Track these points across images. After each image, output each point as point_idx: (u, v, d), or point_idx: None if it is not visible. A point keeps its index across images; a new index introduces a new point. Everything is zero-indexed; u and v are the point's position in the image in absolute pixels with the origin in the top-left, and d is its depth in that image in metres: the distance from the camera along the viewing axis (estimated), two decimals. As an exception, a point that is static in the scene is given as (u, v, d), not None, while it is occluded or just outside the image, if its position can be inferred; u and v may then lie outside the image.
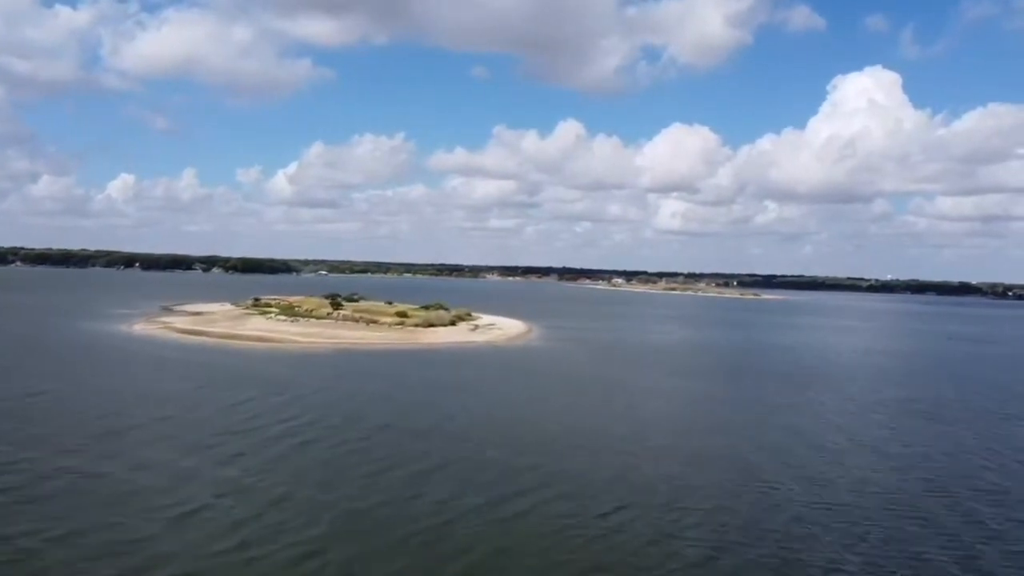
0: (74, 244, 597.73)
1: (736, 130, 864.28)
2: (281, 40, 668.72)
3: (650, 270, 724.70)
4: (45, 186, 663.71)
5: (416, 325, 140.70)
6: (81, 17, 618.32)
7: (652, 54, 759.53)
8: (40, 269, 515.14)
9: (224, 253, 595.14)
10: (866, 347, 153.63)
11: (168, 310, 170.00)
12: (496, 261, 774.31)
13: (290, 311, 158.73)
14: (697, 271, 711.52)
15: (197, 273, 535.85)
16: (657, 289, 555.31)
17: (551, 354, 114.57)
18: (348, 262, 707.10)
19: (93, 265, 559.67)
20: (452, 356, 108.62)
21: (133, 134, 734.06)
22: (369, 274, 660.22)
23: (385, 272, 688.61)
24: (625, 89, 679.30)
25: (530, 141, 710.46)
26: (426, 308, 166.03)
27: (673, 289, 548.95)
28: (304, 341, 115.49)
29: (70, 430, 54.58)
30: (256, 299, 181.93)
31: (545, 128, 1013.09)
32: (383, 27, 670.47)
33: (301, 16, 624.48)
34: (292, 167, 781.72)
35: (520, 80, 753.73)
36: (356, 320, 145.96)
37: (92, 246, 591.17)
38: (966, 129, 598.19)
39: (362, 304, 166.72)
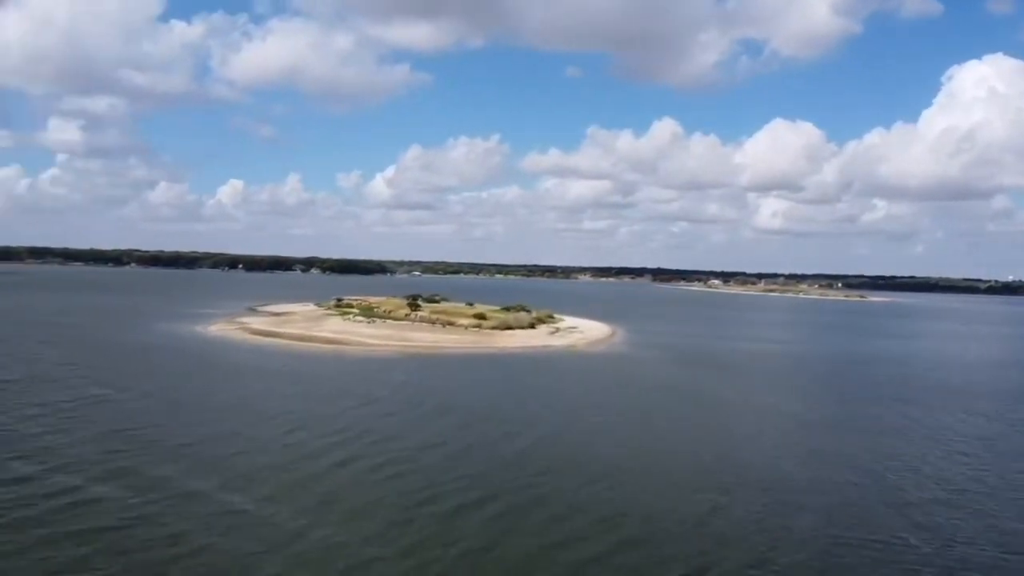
0: (188, 247, 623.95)
1: (842, 125, 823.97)
2: (380, 47, 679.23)
3: (748, 271, 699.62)
4: (161, 193, 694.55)
5: (493, 328, 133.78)
6: (194, 31, 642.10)
7: (752, 48, 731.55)
8: (152, 270, 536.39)
9: (324, 255, 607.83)
10: (997, 358, 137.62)
11: (252, 311, 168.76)
12: (589, 262, 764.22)
13: (369, 312, 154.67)
14: (799, 272, 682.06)
15: (296, 274, 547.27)
16: (756, 291, 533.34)
17: (633, 362, 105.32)
18: (442, 263, 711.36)
19: (200, 266, 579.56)
20: (524, 362, 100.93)
21: (240, 142, 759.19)
22: (462, 275, 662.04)
23: (477, 273, 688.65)
24: (723, 85, 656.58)
25: (625, 141, 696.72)
26: (507, 309, 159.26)
27: (773, 291, 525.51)
28: (375, 344, 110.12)
29: (115, 437, 49.66)
30: (339, 299, 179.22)
31: (640, 127, 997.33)
32: (478, 29, 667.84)
33: (397, 22, 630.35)
34: (390, 170, 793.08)
35: (614, 79, 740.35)
36: (432, 322, 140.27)
37: (204, 248, 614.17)
38: None
39: (441, 305, 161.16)
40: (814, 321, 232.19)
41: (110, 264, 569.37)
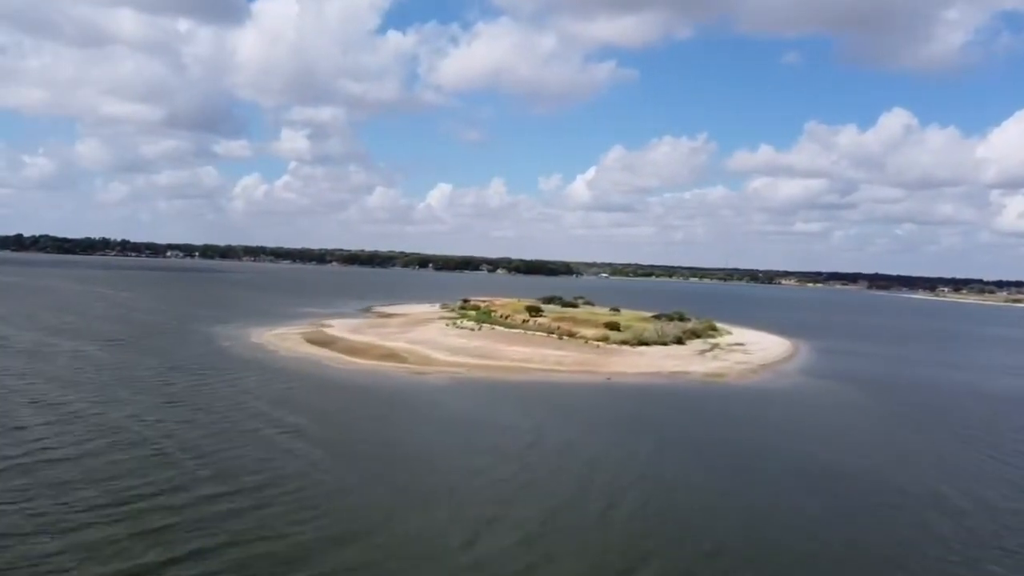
0: (398, 247, 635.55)
1: None
2: (585, 44, 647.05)
3: (986, 279, 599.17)
4: (378, 197, 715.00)
5: (623, 342, 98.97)
6: (407, 41, 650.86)
7: (1015, 22, 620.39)
8: (349, 268, 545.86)
9: (523, 255, 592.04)
10: None
11: (364, 311, 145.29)
12: (797, 267, 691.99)
13: (484, 316, 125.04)
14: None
15: (482, 274, 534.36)
16: (996, 301, 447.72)
17: (805, 408, 66.50)
18: (633, 265, 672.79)
19: (394, 265, 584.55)
20: (638, 398, 65.96)
21: (448, 146, 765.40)
22: (654, 277, 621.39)
23: (670, 276, 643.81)
24: (971, 68, 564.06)
25: (847, 135, 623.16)
26: (657, 318, 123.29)
27: (1018, 301, 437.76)
28: (446, 361, 79.97)
29: None
30: (465, 300, 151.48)
31: (865, 120, 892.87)
32: (686, 18, 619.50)
33: (601, 17, 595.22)
34: (591, 172, 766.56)
35: (837, 65, 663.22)
36: (549, 332, 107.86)
37: (412, 249, 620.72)
38: None
39: (570, 311, 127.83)
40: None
41: (313, 262, 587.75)
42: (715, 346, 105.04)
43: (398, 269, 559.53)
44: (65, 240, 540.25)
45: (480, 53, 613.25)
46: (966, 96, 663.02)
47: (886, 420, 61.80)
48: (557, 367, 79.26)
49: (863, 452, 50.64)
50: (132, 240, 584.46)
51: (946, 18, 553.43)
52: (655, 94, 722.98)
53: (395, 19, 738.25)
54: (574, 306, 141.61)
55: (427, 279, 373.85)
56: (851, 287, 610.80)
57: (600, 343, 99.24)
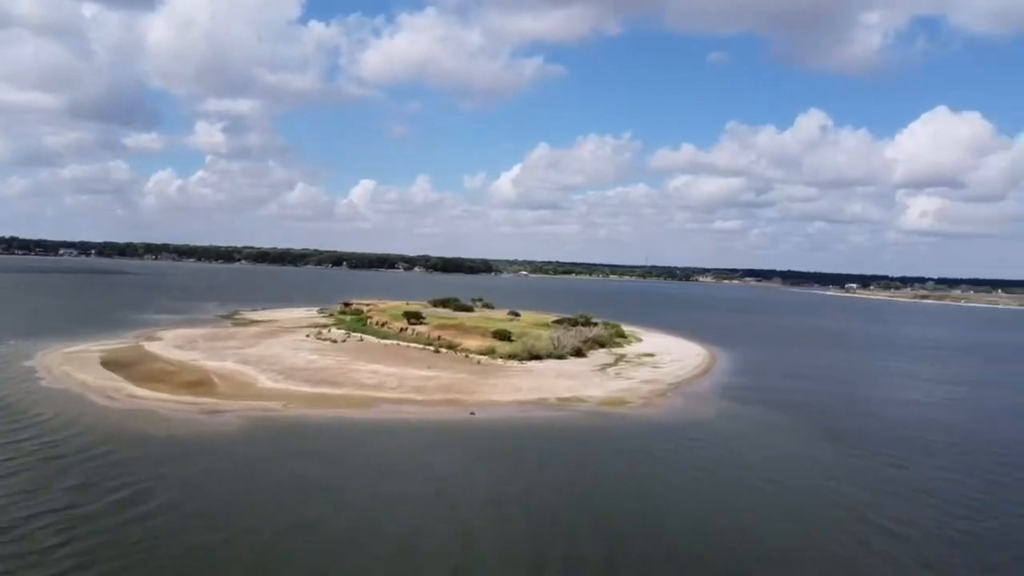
0: (323, 245, 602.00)
1: (1016, 113, 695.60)
2: (512, 39, 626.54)
3: (891, 275, 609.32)
4: (299, 193, 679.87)
5: (511, 356, 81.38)
6: (329, 31, 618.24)
7: (930, 27, 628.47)
8: (259, 267, 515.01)
9: (448, 254, 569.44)
10: None
11: (227, 317, 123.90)
12: (715, 264, 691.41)
13: (356, 324, 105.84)
14: (949, 276, 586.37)
15: (396, 272, 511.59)
16: (903, 297, 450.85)
17: (723, 457, 49.61)
18: (553, 263, 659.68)
19: (307, 263, 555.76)
20: (499, 448, 48.26)
21: (374, 141, 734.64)
22: (574, 275, 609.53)
23: (590, 274, 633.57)
24: (885, 71, 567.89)
25: (766, 136, 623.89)
26: (560, 322, 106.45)
27: (924, 297, 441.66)
28: (268, 391, 60.95)
29: None
30: (346, 303, 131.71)
31: (784, 120, 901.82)
32: (616, 14, 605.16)
33: (528, 11, 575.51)
34: (516, 169, 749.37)
35: (762, 65, 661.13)
36: (427, 343, 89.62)
37: (337, 248, 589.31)
38: None
39: (460, 317, 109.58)
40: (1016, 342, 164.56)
41: (220, 261, 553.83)
42: (620, 358, 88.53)
43: (310, 268, 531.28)
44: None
45: (404, 45, 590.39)
46: (879, 98, 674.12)
47: (831, 474, 45.54)
48: (413, 396, 60.85)
49: (793, 500, 34.00)
50: (22, 237, 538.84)
51: (866, 21, 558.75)
52: (582, 91, 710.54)
53: (317, 9, 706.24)
54: (469, 309, 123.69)
55: (334, 278, 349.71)
56: (767, 284, 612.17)
57: (483, 357, 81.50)
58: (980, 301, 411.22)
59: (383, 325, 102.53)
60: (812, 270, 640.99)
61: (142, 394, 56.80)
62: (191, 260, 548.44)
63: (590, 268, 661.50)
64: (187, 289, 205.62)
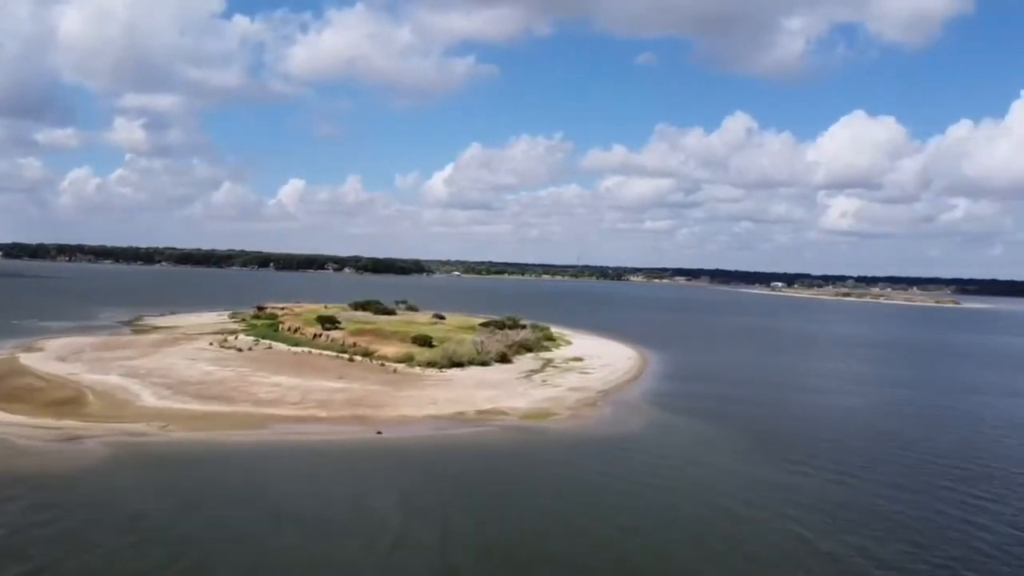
0: (250, 246, 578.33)
1: (926, 118, 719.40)
2: (443, 37, 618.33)
3: (813, 273, 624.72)
4: (225, 193, 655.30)
5: (430, 363, 75.53)
6: (254, 26, 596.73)
7: (848, 32, 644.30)
8: (181, 269, 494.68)
9: (380, 254, 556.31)
10: None
11: (128, 323, 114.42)
12: (646, 263, 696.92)
13: (268, 330, 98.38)
14: (868, 275, 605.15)
15: (326, 273, 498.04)
16: (826, 295, 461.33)
17: (653, 478, 44.87)
18: (485, 263, 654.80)
19: (232, 264, 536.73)
20: (405, 475, 42.54)
21: (302, 139, 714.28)
22: (506, 275, 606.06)
23: (523, 274, 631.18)
24: (807, 75, 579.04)
25: (694, 138, 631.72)
26: (486, 325, 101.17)
27: (847, 295, 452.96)
28: (148, 409, 53.80)
29: None
30: (259, 307, 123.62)
31: (711, 122, 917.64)
32: (546, 15, 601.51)
33: (457, 9, 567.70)
34: (448, 169, 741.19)
35: (690, 67, 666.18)
36: (340, 350, 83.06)
37: (264, 249, 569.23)
38: None
39: (379, 321, 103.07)
40: (937, 340, 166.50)
41: (140, 262, 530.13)
42: (548, 363, 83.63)
43: (235, 269, 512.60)
44: None
45: (332, 42, 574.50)
46: (801, 102, 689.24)
47: (772, 495, 41.26)
48: (316, 412, 54.45)
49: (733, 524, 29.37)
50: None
51: (788, 27, 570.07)
52: (514, 91, 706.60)
53: (241, 4, 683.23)
54: (391, 312, 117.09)
55: (257, 280, 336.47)
56: (695, 283, 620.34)
57: (400, 365, 75.44)
58: (897, 298, 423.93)
59: (296, 331, 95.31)
60: (739, 269, 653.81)
61: (-5, 417, 48.89)
62: (108, 262, 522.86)
63: (523, 268, 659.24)
64: (93, 292, 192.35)
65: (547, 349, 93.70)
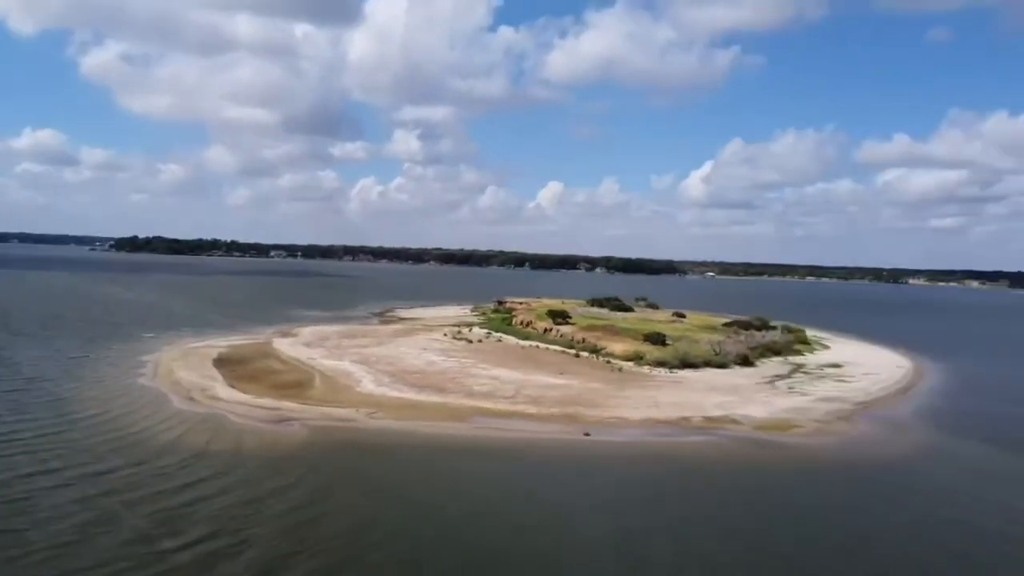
0: (509, 247, 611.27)
1: None
2: (706, 30, 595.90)
3: None
4: (489, 196, 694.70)
5: (659, 363, 69.11)
6: (518, 36, 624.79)
7: None
8: (445, 268, 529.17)
9: (636, 255, 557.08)
10: None
11: (378, 314, 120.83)
12: (930, 265, 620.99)
13: (501, 323, 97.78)
14: None
15: (577, 273, 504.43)
16: None
17: (935, 517, 35.18)
18: (743, 264, 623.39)
19: (490, 264, 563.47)
20: (597, 488, 37.16)
21: (559, 143, 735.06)
22: (766, 277, 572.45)
23: (784, 275, 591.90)
24: None
25: (996, 122, 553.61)
26: (730, 325, 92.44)
27: None
28: (364, 396, 53.65)
29: None
30: (500, 301, 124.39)
31: (1019, 103, 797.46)
32: None
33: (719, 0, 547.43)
34: (707, 167, 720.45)
35: (993, 40, 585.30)
36: (569, 345, 79.36)
37: (522, 249, 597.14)
38: None
39: (612, 318, 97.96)
40: None
41: (410, 261, 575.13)
42: (797, 368, 73.28)
43: (494, 268, 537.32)
44: (175, 241, 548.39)
45: (589, 45, 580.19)
46: None
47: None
48: (525, 408, 50.77)
49: None
50: (240, 241, 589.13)
51: None
52: (781, 82, 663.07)
53: (507, 15, 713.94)
54: (629, 309, 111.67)
55: (510, 278, 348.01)
56: (992, 286, 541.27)
57: (628, 363, 69.90)
58: None
59: (527, 325, 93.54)
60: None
61: (226, 396, 51.06)
62: (384, 261, 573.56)
63: (785, 269, 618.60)
64: (373, 286, 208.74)
65: (799, 353, 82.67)
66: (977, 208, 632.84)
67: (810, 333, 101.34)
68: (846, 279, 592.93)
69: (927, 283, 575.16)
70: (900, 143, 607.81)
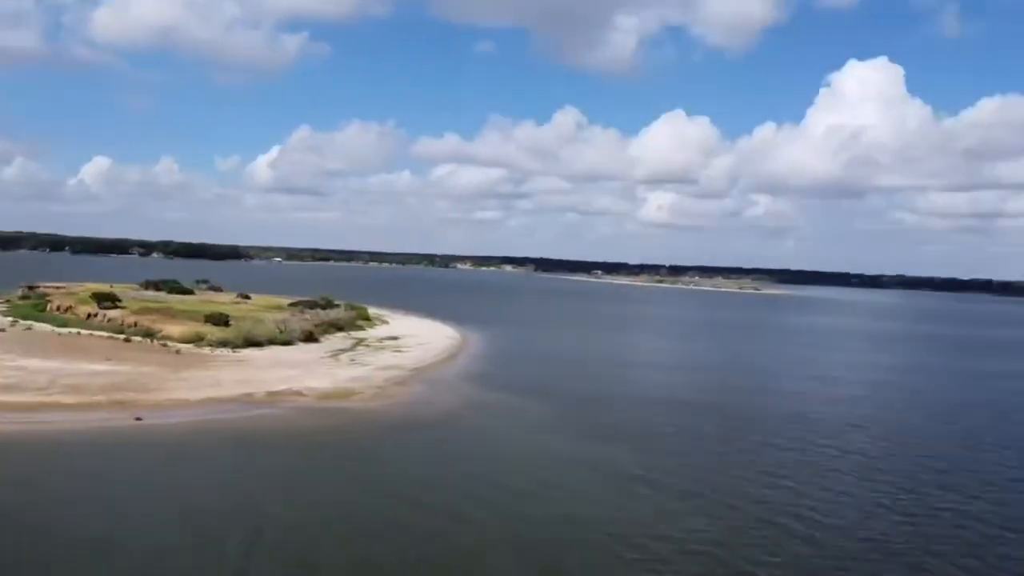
0: (46, 229, 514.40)
1: (738, 119, 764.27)
2: (273, 11, 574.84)
3: (631, 262, 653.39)
4: (17, 169, 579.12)
5: (223, 343, 66.52)
6: None
7: (676, 34, 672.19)
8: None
9: (197, 239, 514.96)
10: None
11: None
12: (474, 252, 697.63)
13: (34, 310, 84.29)
14: (680, 264, 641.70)
15: (130, 258, 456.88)
16: (641, 282, 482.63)
17: (478, 453, 40.29)
18: (310, 250, 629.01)
19: (19, 248, 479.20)
20: (138, 475, 34.78)
21: (110, 113, 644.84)
22: (332, 262, 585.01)
23: (349, 261, 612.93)
24: (638, 72, 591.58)
25: (526, 129, 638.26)
26: (296, 304, 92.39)
27: (660, 282, 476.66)
28: None
29: None
30: (30, 287, 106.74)
31: (543, 115, 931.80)
32: None
33: None
34: (274, 151, 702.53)
35: (527, 59, 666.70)
36: (118, 331, 71.79)
37: (66, 231, 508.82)
38: (971, 123, 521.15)
39: (168, 300, 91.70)
40: (736, 321, 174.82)
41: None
42: (359, 342, 76.82)
43: (24, 252, 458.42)
44: None
45: (142, 5, 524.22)
46: (629, 98, 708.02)
47: (573, 441, 37.48)
48: (62, 398, 44.67)
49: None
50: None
51: (624, 24, 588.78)
52: (347, 73, 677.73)
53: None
54: (189, 292, 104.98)
55: (44, 263, 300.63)
56: (520, 270, 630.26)
57: (187, 345, 65.83)
58: (705, 285, 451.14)
59: (66, 311, 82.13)
60: (564, 258, 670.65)
61: None
62: None
63: (350, 255, 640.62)
64: None
65: (361, 329, 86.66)
66: (511, 203, 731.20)
67: (372, 311, 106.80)
68: (404, 263, 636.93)
69: (472, 267, 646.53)
70: (451, 141, 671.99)
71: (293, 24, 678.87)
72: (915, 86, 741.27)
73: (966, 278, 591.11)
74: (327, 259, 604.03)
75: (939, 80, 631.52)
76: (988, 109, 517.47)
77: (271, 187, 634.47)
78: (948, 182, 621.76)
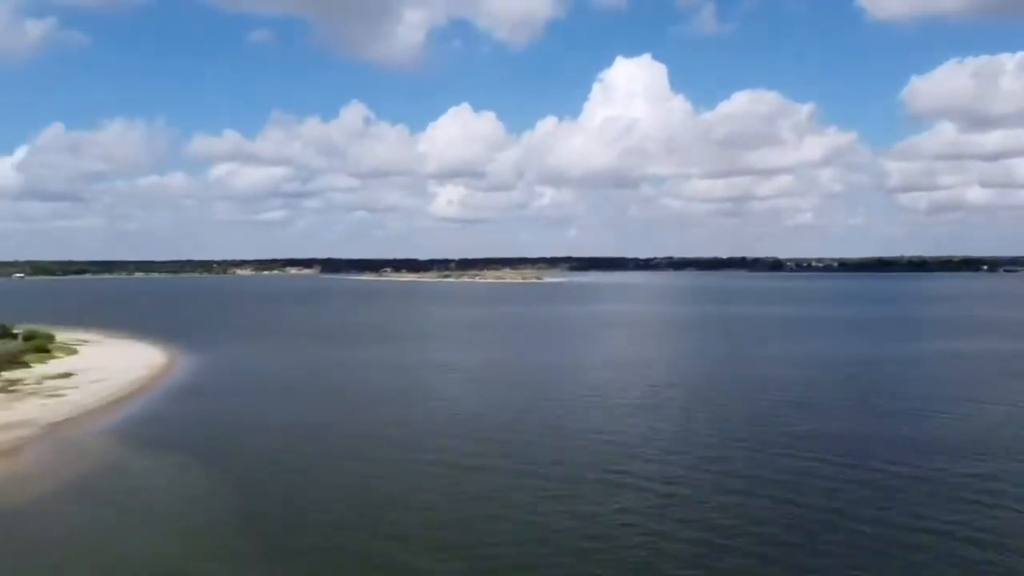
0: None
1: (522, 114, 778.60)
2: None
3: (421, 258, 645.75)
4: None
5: None
6: None
7: (463, 28, 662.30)
8: None
9: None
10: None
11: None
12: (259, 255, 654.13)
13: None
14: (470, 257, 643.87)
15: None
16: (428, 278, 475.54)
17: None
18: (60, 262, 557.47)
19: None
20: None
21: None
22: (88, 275, 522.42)
23: (110, 272, 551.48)
24: (426, 66, 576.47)
25: (311, 126, 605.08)
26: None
27: (447, 277, 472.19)
28: None
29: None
30: None
31: (330, 111, 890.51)
32: None
33: None
34: (21, 152, 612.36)
35: (309, 51, 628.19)
36: None
37: None
38: (726, 115, 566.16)
39: None
40: (497, 315, 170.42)
41: None
42: (15, 383, 59.69)
43: None
44: None
45: None
46: (417, 93, 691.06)
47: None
48: None
49: None
50: None
51: (410, 18, 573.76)
52: (107, 65, 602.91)
53: None
54: None
55: None
56: (305, 272, 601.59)
57: None
58: (489, 277, 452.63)
59: None
60: (353, 257, 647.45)
61: None
62: None
63: (112, 266, 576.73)
64: None
65: (25, 365, 68.43)
66: (297, 202, 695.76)
67: (72, 336, 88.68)
68: (176, 272, 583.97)
69: (254, 272, 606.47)
70: (230, 139, 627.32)
71: (38, 8, 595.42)
72: (677, 81, 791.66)
73: (725, 256, 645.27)
74: (83, 272, 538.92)
75: (697, 76, 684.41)
76: (740, 102, 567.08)
77: (19, 193, 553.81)
78: (708, 169, 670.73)
